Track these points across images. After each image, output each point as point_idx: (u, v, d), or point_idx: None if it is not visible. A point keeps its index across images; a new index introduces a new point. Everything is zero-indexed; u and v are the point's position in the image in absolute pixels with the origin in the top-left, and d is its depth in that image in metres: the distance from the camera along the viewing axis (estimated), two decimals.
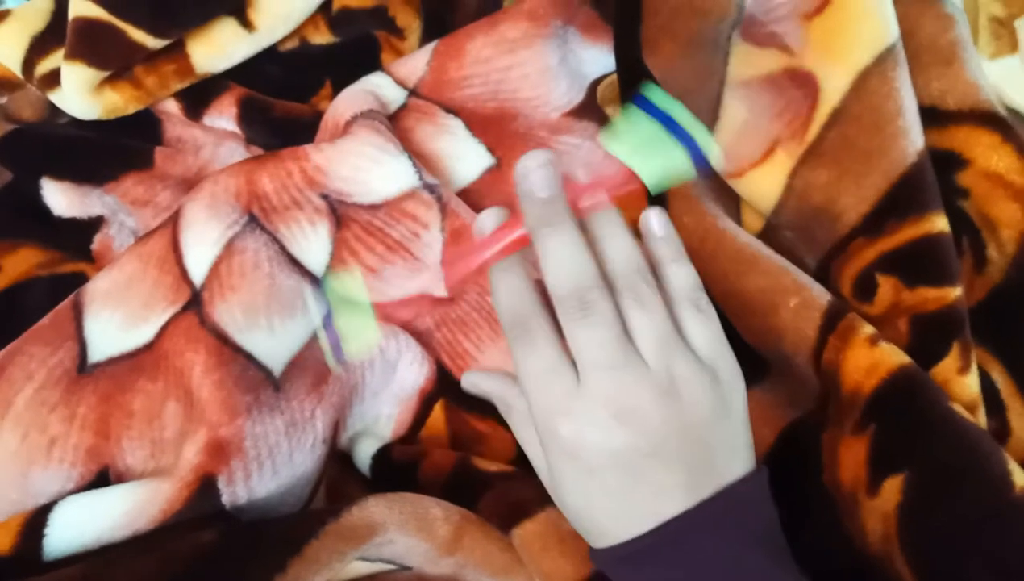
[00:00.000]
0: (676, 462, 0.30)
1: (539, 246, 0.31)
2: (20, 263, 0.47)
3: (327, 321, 0.32)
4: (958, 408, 0.36)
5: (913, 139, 0.39)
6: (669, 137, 0.31)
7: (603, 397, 0.30)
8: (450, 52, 0.49)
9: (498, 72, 0.49)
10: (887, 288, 0.40)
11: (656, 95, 0.32)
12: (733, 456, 0.32)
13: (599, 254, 0.32)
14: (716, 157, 0.31)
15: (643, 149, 0.31)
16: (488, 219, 0.34)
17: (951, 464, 0.34)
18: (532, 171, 0.32)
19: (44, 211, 0.47)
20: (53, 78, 0.49)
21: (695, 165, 0.31)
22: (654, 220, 0.34)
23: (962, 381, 0.38)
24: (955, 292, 0.39)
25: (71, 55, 0.47)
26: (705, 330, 0.32)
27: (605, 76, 0.50)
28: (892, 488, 0.35)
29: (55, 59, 0.49)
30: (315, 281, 0.43)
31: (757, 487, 0.32)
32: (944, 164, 0.41)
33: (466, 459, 0.41)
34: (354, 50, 0.54)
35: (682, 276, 0.33)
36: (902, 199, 0.39)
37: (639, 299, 0.31)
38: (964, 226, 0.42)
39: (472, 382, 0.39)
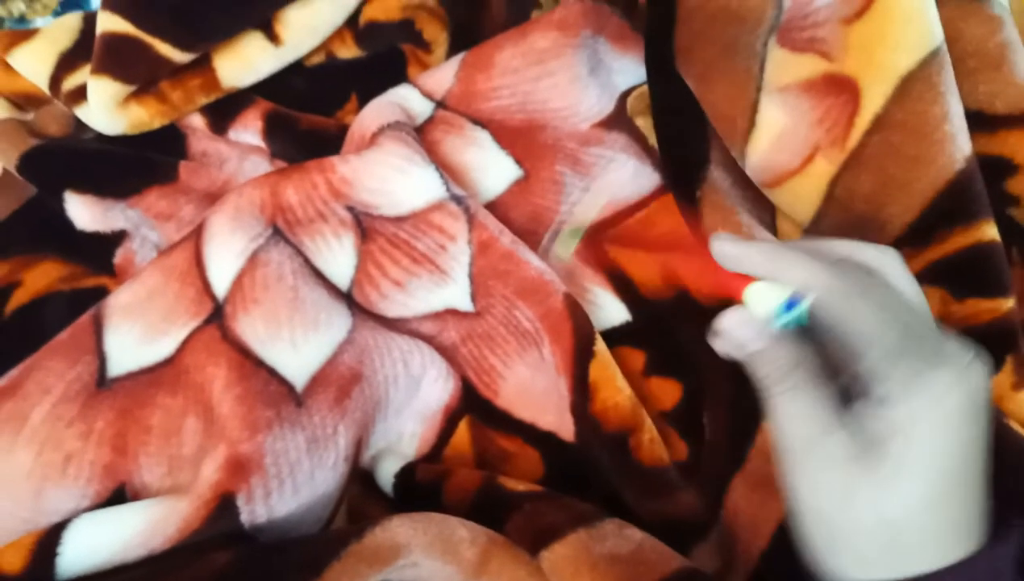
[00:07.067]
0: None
1: None
2: (42, 277, 0.46)
3: None
4: (1015, 426, 0.35)
5: (960, 144, 0.38)
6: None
7: None
8: (478, 63, 0.49)
9: (527, 83, 0.48)
10: (935, 300, 0.38)
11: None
12: None
13: None
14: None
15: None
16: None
17: (1013, 490, 0.32)
18: None
19: (67, 225, 0.47)
20: (79, 93, 0.49)
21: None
22: None
23: (1016, 398, 0.37)
24: (1008, 304, 0.37)
25: (97, 69, 0.47)
26: None
27: (635, 87, 0.49)
28: None
29: (82, 74, 0.49)
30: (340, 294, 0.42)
31: None
32: (993, 170, 0.40)
33: (492, 479, 0.39)
34: (380, 64, 0.53)
35: None
36: (950, 207, 0.38)
37: None
38: (1014, 235, 0.41)
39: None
